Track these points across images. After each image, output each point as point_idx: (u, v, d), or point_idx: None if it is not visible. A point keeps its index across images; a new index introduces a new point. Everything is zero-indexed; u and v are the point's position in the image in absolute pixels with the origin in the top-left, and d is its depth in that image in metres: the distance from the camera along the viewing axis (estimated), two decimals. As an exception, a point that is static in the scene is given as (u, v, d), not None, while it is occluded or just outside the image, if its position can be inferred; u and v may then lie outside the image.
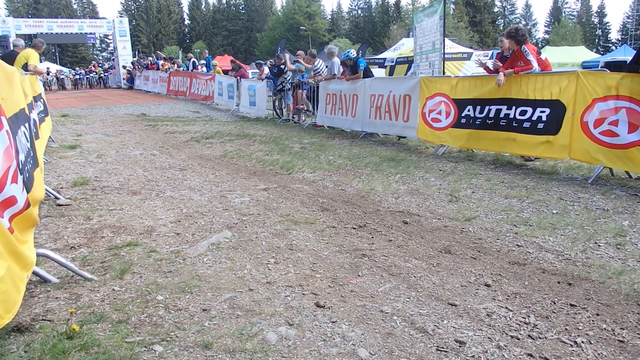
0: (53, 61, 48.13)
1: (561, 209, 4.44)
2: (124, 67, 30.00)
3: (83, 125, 12.28)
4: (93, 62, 46.52)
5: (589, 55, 28.18)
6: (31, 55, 8.72)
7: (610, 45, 66.54)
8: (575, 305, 2.67)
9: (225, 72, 18.31)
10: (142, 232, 3.87)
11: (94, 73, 35.70)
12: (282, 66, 12.09)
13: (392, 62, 22.70)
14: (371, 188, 5.39)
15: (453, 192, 5.09)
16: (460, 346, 2.28)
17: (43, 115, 8.25)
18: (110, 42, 55.29)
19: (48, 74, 27.07)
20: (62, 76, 34.90)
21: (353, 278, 3.03)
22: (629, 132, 5.07)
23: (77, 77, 35.52)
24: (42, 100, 8.79)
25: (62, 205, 4.64)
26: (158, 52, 33.91)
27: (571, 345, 2.29)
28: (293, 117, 12.31)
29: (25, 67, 8.53)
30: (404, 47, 23.65)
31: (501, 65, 6.78)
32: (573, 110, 5.59)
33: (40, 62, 9.95)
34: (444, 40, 10.03)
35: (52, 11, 61.12)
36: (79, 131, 10.78)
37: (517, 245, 3.62)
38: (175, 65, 22.24)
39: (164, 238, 3.73)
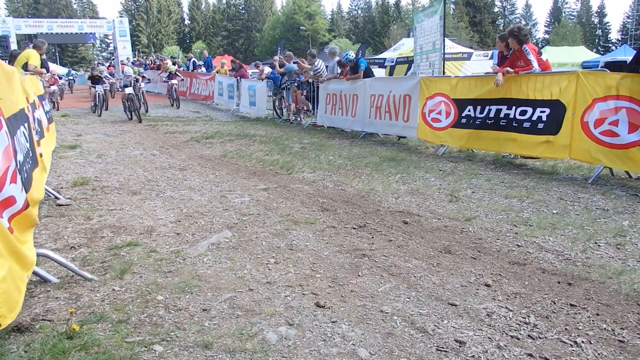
0: (53, 61, 48.02)
1: (561, 209, 4.44)
2: (127, 58, 29.05)
3: (83, 125, 12.28)
4: (95, 62, 41.10)
5: (589, 55, 28.17)
6: (31, 56, 8.72)
7: (610, 45, 66.49)
8: (575, 305, 2.67)
9: (225, 72, 18.31)
10: (142, 232, 3.87)
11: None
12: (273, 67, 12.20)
13: (392, 62, 22.71)
14: (371, 188, 5.39)
15: (453, 192, 5.09)
16: (460, 346, 2.28)
17: (51, 114, 8.28)
18: (110, 42, 55.23)
19: (61, 78, 21.24)
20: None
21: (353, 278, 3.03)
22: (629, 132, 5.07)
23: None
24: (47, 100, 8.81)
25: (62, 205, 4.64)
26: (159, 53, 33.91)
27: (571, 345, 2.29)
28: (295, 117, 12.32)
29: (25, 67, 8.53)
30: (404, 47, 23.66)
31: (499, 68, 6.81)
32: (573, 110, 5.59)
33: (46, 66, 9.91)
34: (444, 40, 10.03)
35: (52, 11, 61.09)
36: (79, 131, 10.78)
37: (517, 245, 3.62)
38: (176, 66, 22.21)
39: (164, 238, 3.73)
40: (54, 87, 16.62)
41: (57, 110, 15.80)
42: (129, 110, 13.20)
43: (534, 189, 5.13)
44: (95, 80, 15.20)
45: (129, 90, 13.12)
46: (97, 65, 20.11)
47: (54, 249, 3.43)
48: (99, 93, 14.55)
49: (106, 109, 15.22)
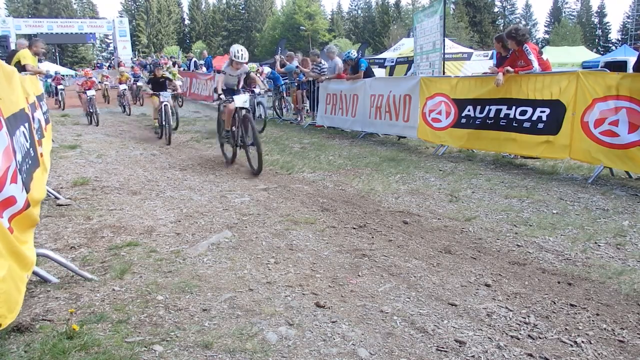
0: (53, 61, 47.94)
1: (561, 209, 4.44)
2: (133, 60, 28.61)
3: (83, 125, 12.28)
4: (97, 65, 36.33)
5: (589, 55, 28.15)
6: (24, 55, 8.63)
7: (610, 45, 66.45)
8: (575, 305, 2.67)
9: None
10: (142, 232, 3.87)
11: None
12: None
13: (392, 62, 22.70)
14: (371, 188, 5.38)
15: (453, 192, 5.09)
16: (460, 346, 2.28)
17: (48, 114, 8.28)
18: (110, 42, 55.28)
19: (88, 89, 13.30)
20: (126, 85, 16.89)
21: (353, 278, 3.03)
22: (629, 132, 5.07)
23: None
24: (44, 100, 8.80)
25: (62, 205, 4.64)
26: (159, 53, 33.92)
27: (571, 345, 2.29)
28: (295, 117, 12.32)
29: (18, 67, 8.48)
30: (404, 47, 23.64)
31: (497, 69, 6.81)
32: (573, 110, 5.59)
33: (40, 62, 9.83)
34: (444, 40, 10.02)
35: (52, 11, 61.03)
36: (79, 131, 10.79)
37: (517, 245, 3.62)
38: (176, 65, 22.24)
39: (164, 238, 3.73)
40: (91, 92, 12.83)
41: (97, 125, 11.95)
42: (238, 143, 6.59)
43: (534, 189, 5.13)
44: (160, 84, 9.90)
45: (240, 100, 6.39)
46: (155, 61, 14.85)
47: (54, 249, 3.43)
48: (166, 105, 9.05)
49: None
